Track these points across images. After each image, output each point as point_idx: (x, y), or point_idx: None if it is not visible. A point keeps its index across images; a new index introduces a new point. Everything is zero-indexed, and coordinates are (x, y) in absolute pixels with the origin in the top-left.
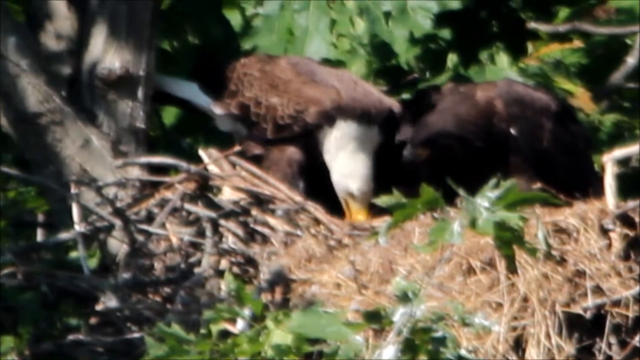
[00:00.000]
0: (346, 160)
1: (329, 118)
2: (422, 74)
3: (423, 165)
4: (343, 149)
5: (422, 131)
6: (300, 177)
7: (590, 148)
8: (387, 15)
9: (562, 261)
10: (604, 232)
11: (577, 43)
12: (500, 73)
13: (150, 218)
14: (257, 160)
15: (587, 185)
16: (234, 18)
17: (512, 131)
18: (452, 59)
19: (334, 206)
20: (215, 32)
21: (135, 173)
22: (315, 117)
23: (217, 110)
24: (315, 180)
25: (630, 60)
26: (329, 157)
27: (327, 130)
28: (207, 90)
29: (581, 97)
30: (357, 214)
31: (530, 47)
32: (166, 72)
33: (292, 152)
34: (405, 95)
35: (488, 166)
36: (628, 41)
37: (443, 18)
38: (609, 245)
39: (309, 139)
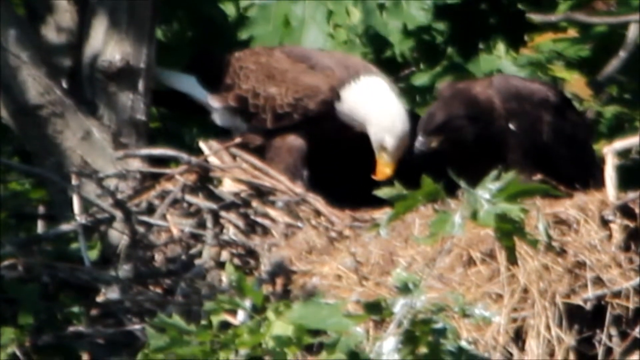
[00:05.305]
0: (383, 113)
1: (333, 99)
2: (417, 65)
3: (433, 155)
4: (375, 100)
5: (431, 121)
6: (303, 166)
7: (591, 135)
8: (381, 6)
9: (562, 252)
10: (605, 223)
11: (572, 33)
12: (495, 62)
13: (151, 209)
14: (259, 151)
15: (588, 175)
16: (229, 9)
17: (512, 127)
18: (448, 50)
19: (337, 194)
20: (211, 22)
21: (135, 165)
22: (315, 105)
23: (215, 103)
24: (318, 167)
25: (622, 54)
26: (360, 113)
27: (341, 101)
28: (204, 84)
29: (576, 84)
30: (384, 167)
31: (525, 36)
32: (162, 61)
33: (293, 140)
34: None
35: (492, 158)
36: (626, 33)
37: (442, 10)
38: (610, 237)
39: (309, 126)
